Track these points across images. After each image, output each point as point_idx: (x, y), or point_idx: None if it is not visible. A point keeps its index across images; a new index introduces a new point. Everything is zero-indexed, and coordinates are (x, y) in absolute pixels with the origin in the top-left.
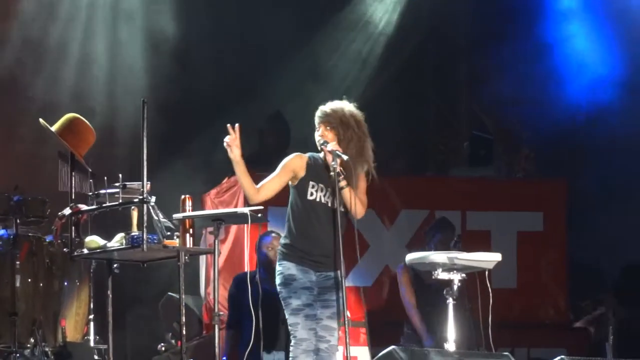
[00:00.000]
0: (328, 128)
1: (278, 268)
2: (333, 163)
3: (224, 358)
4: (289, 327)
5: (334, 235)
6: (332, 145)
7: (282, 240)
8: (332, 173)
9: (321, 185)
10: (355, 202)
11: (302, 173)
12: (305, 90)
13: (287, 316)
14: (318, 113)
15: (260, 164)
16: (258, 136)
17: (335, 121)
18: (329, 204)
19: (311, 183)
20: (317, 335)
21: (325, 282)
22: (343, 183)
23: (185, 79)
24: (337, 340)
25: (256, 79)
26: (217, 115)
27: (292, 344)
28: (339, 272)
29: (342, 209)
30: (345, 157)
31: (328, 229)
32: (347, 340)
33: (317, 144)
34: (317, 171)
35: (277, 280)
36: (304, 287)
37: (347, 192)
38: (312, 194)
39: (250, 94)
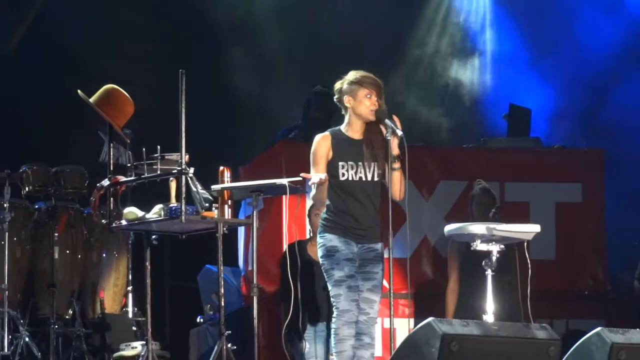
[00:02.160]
0: (375, 96)
1: (320, 240)
2: (387, 135)
3: (285, 332)
4: (332, 299)
5: (374, 207)
6: (393, 121)
7: (323, 215)
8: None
9: (351, 163)
10: (402, 185)
11: (330, 154)
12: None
13: (329, 288)
14: (364, 78)
15: (301, 136)
16: (303, 109)
17: (380, 89)
18: (364, 178)
19: (340, 164)
20: (358, 307)
21: (367, 254)
22: (396, 165)
23: (227, 50)
24: (376, 313)
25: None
26: (258, 84)
27: (334, 315)
28: (382, 244)
29: (377, 178)
30: (400, 133)
31: (366, 204)
32: (392, 312)
33: (368, 111)
34: (343, 148)
35: (319, 253)
36: (347, 258)
37: (397, 175)
38: (343, 175)
39: (296, 68)
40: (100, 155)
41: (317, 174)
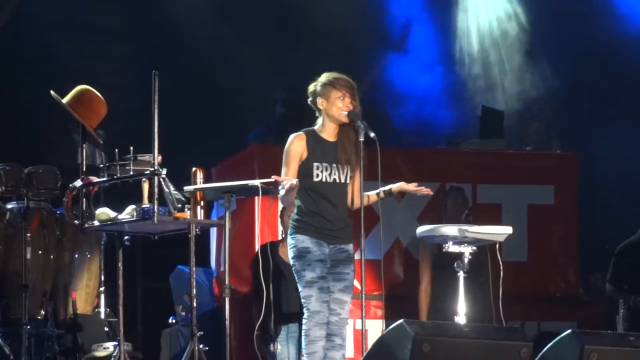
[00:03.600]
0: (349, 98)
1: (291, 241)
2: (360, 137)
3: (257, 333)
4: (302, 300)
5: (345, 208)
6: (364, 125)
7: (293, 216)
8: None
9: (325, 164)
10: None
11: (305, 154)
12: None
13: (300, 289)
14: (337, 80)
15: (271, 134)
16: (272, 106)
17: (354, 91)
18: (337, 180)
19: (315, 164)
20: (329, 308)
21: (338, 254)
22: (381, 195)
23: (198, 51)
24: (347, 314)
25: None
26: (231, 86)
27: (305, 316)
28: (352, 245)
29: (349, 181)
30: (372, 135)
31: (338, 205)
32: (364, 313)
33: (341, 112)
34: (318, 149)
35: (291, 254)
36: (318, 259)
37: (368, 197)
38: (317, 176)
39: (266, 67)
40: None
41: (289, 179)
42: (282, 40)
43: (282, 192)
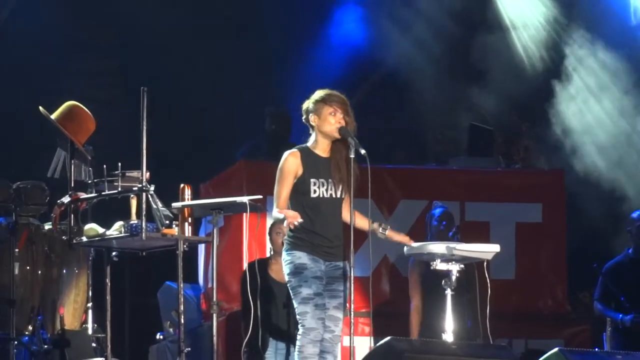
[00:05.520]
0: (341, 114)
1: (287, 257)
2: (351, 153)
3: (245, 349)
4: (297, 317)
5: (340, 225)
6: (355, 142)
7: (289, 232)
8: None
9: (321, 180)
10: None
11: (300, 171)
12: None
13: (295, 305)
14: (329, 96)
15: (261, 150)
16: (262, 123)
17: (346, 107)
18: (332, 195)
19: (312, 180)
20: (323, 325)
21: (333, 272)
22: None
23: (186, 64)
24: (340, 331)
25: (262, 65)
26: (218, 102)
27: (299, 333)
28: (347, 262)
29: (343, 196)
30: (363, 152)
31: (333, 221)
32: (352, 330)
33: (333, 128)
34: (312, 165)
35: (287, 270)
36: (315, 276)
37: (361, 221)
38: (315, 192)
39: (255, 81)
40: (50, 170)
41: (294, 214)
42: (271, 55)
43: (282, 219)
